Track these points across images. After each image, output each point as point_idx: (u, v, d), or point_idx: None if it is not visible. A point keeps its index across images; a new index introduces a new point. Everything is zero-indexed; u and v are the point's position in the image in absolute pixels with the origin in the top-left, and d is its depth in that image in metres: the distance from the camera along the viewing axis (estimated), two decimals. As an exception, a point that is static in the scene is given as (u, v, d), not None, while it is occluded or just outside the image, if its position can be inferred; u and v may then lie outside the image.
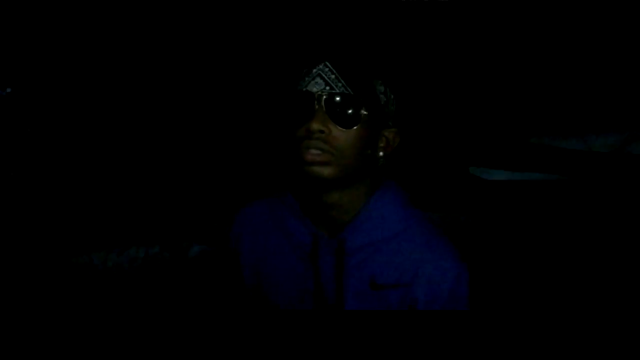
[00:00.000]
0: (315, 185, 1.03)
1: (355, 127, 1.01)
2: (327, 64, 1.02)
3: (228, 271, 1.23)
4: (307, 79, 1.04)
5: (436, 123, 4.84)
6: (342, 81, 1.01)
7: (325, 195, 1.04)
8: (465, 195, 4.38)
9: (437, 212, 4.22)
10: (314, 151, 1.01)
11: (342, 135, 1.01)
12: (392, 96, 1.07)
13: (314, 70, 1.03)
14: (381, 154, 1.07)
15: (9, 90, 4.18)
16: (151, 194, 4.86)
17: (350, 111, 1.01)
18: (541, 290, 3.22)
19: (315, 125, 1.00)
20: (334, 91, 1.01)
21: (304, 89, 1.03)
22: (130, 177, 4.90)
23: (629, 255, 3.49)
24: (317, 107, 1.02)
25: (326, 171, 1.00)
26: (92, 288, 4.03)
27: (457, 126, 4.91)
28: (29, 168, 4.40)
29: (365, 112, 1.02)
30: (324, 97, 1.01)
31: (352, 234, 1.07)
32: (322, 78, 1.02)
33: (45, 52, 4.38)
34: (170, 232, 4.62)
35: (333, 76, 1.01)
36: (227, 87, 4.70)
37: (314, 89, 1.02)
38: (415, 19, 4.63)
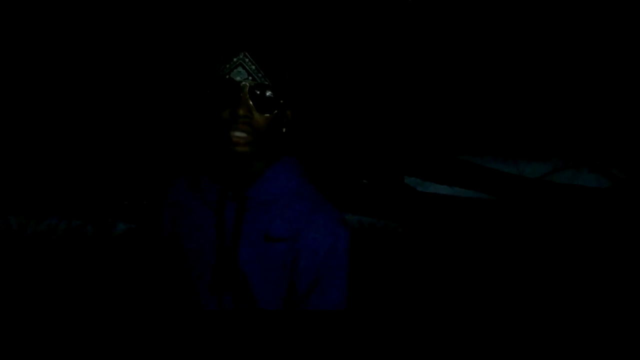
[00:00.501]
0: (236, 159, 1.18)
1: (271, 113, 1.17)
2: (247, 54, 1.15)
3: (150, 243, 1.38)
4: (227, 66, 1.17)
5: (374, 127, 4.93)
6: (262, 72, 1.15)
7: (238, 165, 1.21)
8: (397, 203, 4.48)
9: (370, 217, 4.31)
10: (238, 133, 1.15)
11: (261, 119, 1.16)
12: (296, 82, 1.23)
13: (235, 59, 1.16)
14: (284, 130, 1.22)
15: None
16: (80, 166, 4.70)
17: (269, 99, 1.16)
18: (461, 297, 3.35)
19: (242, 112, 1.14)
20: (256, 82, 1.15)
21: (228, 77, 1.16)
22: (61, 146, 4.72)
23: (548, 271, 3.70)
24: (242, 95, 1.15)
25: (248, 149, 1.16)
26: (5, 252, 3.84)
27: (394, 134, 5.02)
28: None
29: (280, 100, 1.18)
30: (248, 86, 1.15)
31: (251, 193, 1.23)
32: (243, 67, 1.15)
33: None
34: (96, 206, 4.47)
35: (254, 67, 1.15)
36: (149, 69, 4.66)
37: (238, 78, 1.15)
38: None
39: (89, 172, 4.61)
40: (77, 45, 4.58)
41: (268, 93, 1.16)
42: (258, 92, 1.15)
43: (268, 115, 1.17)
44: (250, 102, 1.15)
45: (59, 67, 4.60)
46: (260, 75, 1.15)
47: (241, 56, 1.15)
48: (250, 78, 1.15)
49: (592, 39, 5.37)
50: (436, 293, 3.44)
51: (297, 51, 1.21)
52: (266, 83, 1.16)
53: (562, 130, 5.43)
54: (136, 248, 3.98)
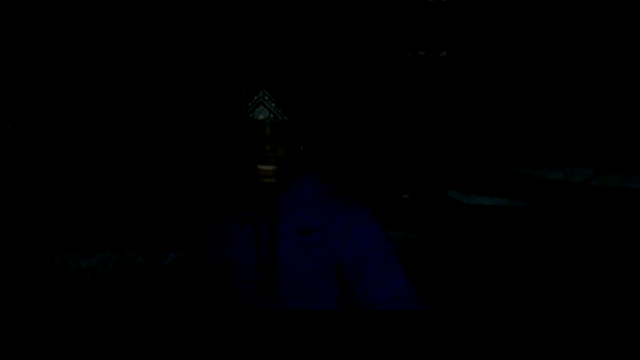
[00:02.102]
0: (265, 189, 1.31)
1: (292, 144, 1.29)
2: (266, 92, 1.26)
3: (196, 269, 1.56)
4: (250, 104, 1.27)
5: (417, 144, 4.92)
6: (281, 108, 1.26)
7: (267, 187, 1.32)
8: (443, 218, 4.44)
9: (416, 233, 4.28)
10: (265, 167, 1.27)
11: (283, 150, 1.28)
12: (308, 107, 1.33)
13: (256, 98, 1.26)
14: (302, 148, 1.34)
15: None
16: (129, 199, 4.83)
17: (290, 132, 1.27)
18: (513, 309, 3.29)
19: (268, 147, 1.25)
20: (277, 119, 1.26)
21: (251, 115, 1.26)
22: (109, 182, 4.87)
23: (601, 281, 3.60)
24: (266, 132, 1.26)
25: (275, 179, 1.28)
26: (63, 287, 3.97)
27: (436, 149, 5.00)
28: (10, 167, 4.35)
29: (298, 131, 1.29)
30: (270, 124, 1.26)
31: (282, 202, 1.35)
32: (264, 106, 1.25)
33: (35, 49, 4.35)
34: (146, 237, 4.58)
35: (274, 104, 1.25)
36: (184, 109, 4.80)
37: (261, 117, 1.26)
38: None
39: (139, 204, 4.74)
40: (128, 82, 4.73)
41: (288, 127, 1.27)
42: (279, 128, 1.26)
43: (289, 145, 1.29)
44: (274, 138, 1.26)
45: (113, 108, 4.76)
46: (280, 111, 1.25)
47: (261, 94, 1.26)
48: (272, 116, 1.25)
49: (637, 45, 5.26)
50: (489, 305, 3.38)
51: (318, 80, 1.33)
52: (286, 118, 1.26)
53: (607, 132, 5.30)
54: (186, 275, 4.06)
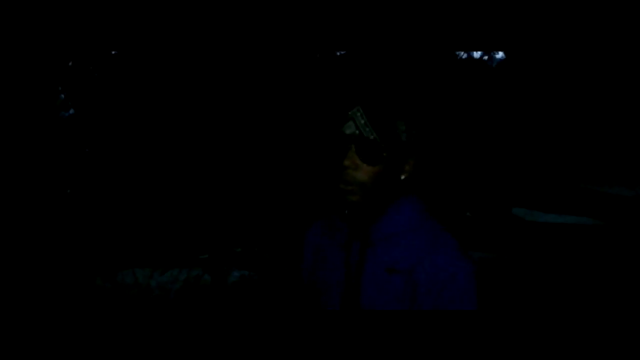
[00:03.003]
0: (347, 206, 1.28)
1: (377, 165, 1.23)
2: (360, 108, 1.23)
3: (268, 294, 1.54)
4: (342, 120, 1.26)
5: (483, 165, 4.85)
6: (370, 126, 1.22)
7: (357, 209, 1.28)
8: (508, 235, 4.35)
9: (483, 252, 4.21)
10: (343, 184, 1.24)
11: (367, 171, 1.23)
12: (414, 132, 1.27)
13: (350, 113, 1.24)
14: (402, 177, 1.29)
15: (72, 111, 4.36)
16: (195, 218, 4.98)
17: (374, 152, 1.23)
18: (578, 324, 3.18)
19: (347, 162, 1.22)
20: (363, 136, 1.22)
21: (341, 130, 1.25)
22: (179, 202, 5.03)
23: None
24: (350, 147, 1.24)
25: (353, 198, 1.24)
26: (134, 304, 4.12)
27: (503, 168, 4.91)
28: (85, 186, 4.56)
29: (385, 154, 1.23)
30: (355, 139, 1.23)
31: (375, 230, 1.30)
32: (354, 122, 1.23)
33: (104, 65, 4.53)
34: (212, 256, 4.70)
35: (363, 121, 1.22)
36: (270, 122, 4.86)
37: (348, 132, 1.23)
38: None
39: (205, 223, 4.88)
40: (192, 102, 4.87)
41: (373, 146, 1.22)
42: (364, 146, 1.22)
43: (375, 167, 1.23)
44: (356, 155, 1.22)
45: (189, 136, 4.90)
46: (367, 129, 1.21)
47: (354, 110, 1.23)
48: (358, 132, 1.22)
49: None
50: (559, 323, 3.28)
51: (415, 104, 1.27)
52: (372, 137, 1.21)
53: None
54: (249, 293, 4.15)
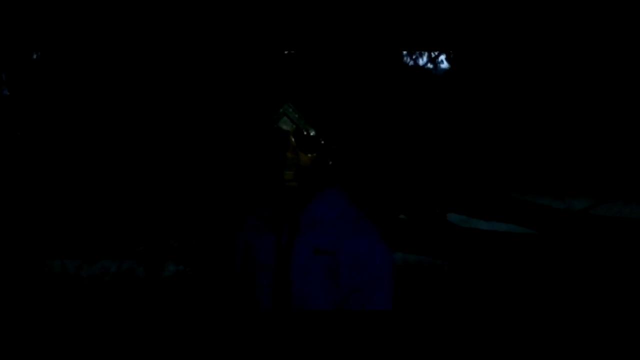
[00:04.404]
0: (288, 193, 1.39)
1: (314, 152, 1.38)
2: (290, 105, 1.36)
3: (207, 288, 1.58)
4: (275, 116, 1.37)
5: (419, 165, 4.93)
6: (304, 119, 1.36)
7: (290, 197, 1.41)
8: (443, 240, 4.44)
9: (415, 254, 4.29)
10: (287, 172, 1.36)
11: (306, 159, 1.37)
12: (336, 119, 1.42)
13: (281, 110, 1.36)
14: (330, 162, 1.42)
15: (6, 92, 4.19)
16: (129, 208, 4.86)
17: (312, 142, 1.37)
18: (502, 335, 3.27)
19: (290, 155, 1.35)
20: (300, 130, 1.36)
21: (276, 126, 1.36)
22: (110, 188, 4.91)
23: (597, 306, 3.60)
24: (289, 140, 1.36)
25: (296, 184, 1.37)
26: (63, 294, 4.00)
27: (438, 172, 5.00)
28: (16, 171, 4.39)
29: (322, 141, 1.38)
30: (293, 133, 1.36)
31: (303, 216, 1.42)
32: (288, 117, 1.35)
33: (42, 52, 4.39)
34: (146, 248, 4.61)
35: (297, 116, 1.35)
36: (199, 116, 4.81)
37: (285, 127, 1.36)
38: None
39: (139, 215, 4.77)
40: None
41: (310, 137, 1.36)
42: (301, 137, 1.36)
43: (312, 154, 1.37)
44: (296, 146, 1.36)
45: (115, 109, 4.76)
46: (302, 122, 1.36)
47: (285, 106, 1.36)
48: (294, 126, 1.35)
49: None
50: (486, 331, 3.37)
51: (337, 95, 1.44)
52: (308, 129, 1.36)
53: (609, 162, 5.32)
54: (186, 288, 4.09)
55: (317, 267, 1.38)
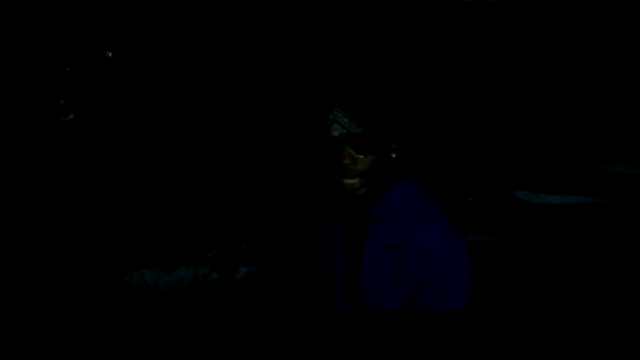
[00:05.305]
0: (355, 201, 1.37)
1: (372, 153, 1.31)
2: (339, 109, 1.30)
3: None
4: (327, 124, 1.31)
5: (485, 148, 4.82)
6: (354, 122, 1.29)
7: (358, 198, 1.37)
8: (511, 218, 4.34)
9: (485, 235, 4.21)
10: (349, 180, 1.32)
11: (366, 161, 1.31)
12: (390, 113, 1.35)
13: (331, 117, 1.30)
14: (393, 155, 1.36)
15: (72, 116, 4.37)
16: (199, 216, 4.98)
17: (367, 143, 1.30)
18: (581, 310, 3.18)
19: (346, 161, 1.29)
20: (352, 133, 1.29)
21: (329, 134, 1.31)
22: (181, 200, 5.04)
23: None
24: (342, 146, 1.31)
25: (361, 190, 1.33)
26: (144, 304, 4.14)
27: (504, 150, 4.89)
28: (89, 188, 4.57)
29: (378, 140, 1.31)
30: (346, 139, 1.30)
31: (374, 211, 1.39)
32: (338, 123, 1.29)
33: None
34: (217, 253, 4.71)
35: (346, 120, 1.29)
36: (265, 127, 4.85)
37: (336, 134, 1.30)
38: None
39: (209, 220, 4.88)
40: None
41: (364, 139, 1.29)
42: (355, 141, 1.29)
43: (371, 156, 1.31)
44: (351, 151, 1.30)
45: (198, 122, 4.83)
46: (353, 125, 1.29)
47: (335, 112, 1.30)
48: (345, 131, 1.29)
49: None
50: (563, 306, 3.28)
51: (390, 87, 1.35)
52: (360, 131, 1.29)
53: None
54: (257, 289, 4.16)
55: (387, 261, 1.34)
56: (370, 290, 1.35)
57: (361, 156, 1.30)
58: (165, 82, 4.42)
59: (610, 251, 3.80)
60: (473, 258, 1.29)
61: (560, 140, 5.06)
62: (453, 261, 1.27)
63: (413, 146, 1.41)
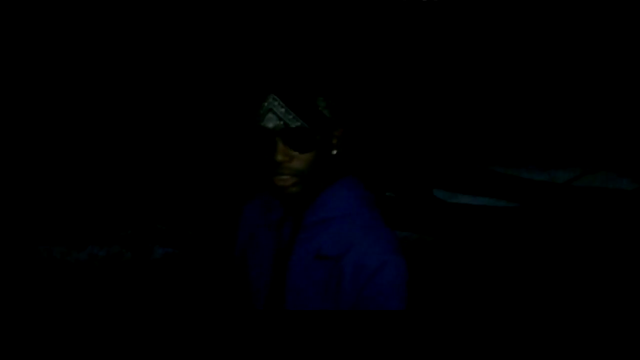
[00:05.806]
0: (287, 199, 1.19)
1: (311, 151, 1.15)
2: (275, 97, 1.13)
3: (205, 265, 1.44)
4: (260, 112, 1.14)
5: (403, 146, 4.96)
6: (292, 113, 1.12)
7: (290, 197, 1.20)
8: (429, 216, 4.50)
9: (403, 231, 4.35)
10: (282, 177, 1.14)
11: (302, 159, 1.14)
12: (334, 104, 1.18)
13: (265, 104, 1.13)
14: (334, 152, 1.20)
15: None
16: (118, 194, 4.83)
17: (305, 139, 1.14)
18: (494, 306, 3.36)
19: (279, 157, 1.12)
20: (287, 126, 1.12)
21: (262, 124, 1.14)
22: (97, 175, 4.86)
23: (579, 277, 3.70)
24: (277, 140, 1.13)
25: (295, 189, 1.16)
26: (50, 280, 3.97)
27: (423, 150, 5.05)
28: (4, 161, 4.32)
29: (317, 137, 1.15)
30: (281, 132, 1.13)
31: (308, 213, 1.22)
32: (273, 113, 1.12)
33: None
34: (133, 232, 4.59)
35: (283, 110, 1.12)
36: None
37: (270, 125, 1.13)
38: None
39: (126, 200, 4.74)
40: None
41: (302, 133, 1.13)
42: (292, 135, 1.13)
43: (309, 153, 1.15)
44: (287, 147, 1.14)
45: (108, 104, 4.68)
46: (290, 117, 1.12)
47: (270, 100, 1.13)
48: (281, 122, 1.12)
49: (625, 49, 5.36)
50: (475, 305, 3.44)
51: (328, 80, 1.19)
52: (298, 124, 1.13)
53: (590, 134, 5.42)
54: (174, 271, 4.08)
55: (318, 272, 1.20)
56: (295, 301, 1.21)
57: (298, 153, 1.14)
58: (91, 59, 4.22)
59: (521, 251, 4.02)
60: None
61: (477, 144, 5.29)
62: (392, 282, 1.14)
63: (355, 142, 1.26)
